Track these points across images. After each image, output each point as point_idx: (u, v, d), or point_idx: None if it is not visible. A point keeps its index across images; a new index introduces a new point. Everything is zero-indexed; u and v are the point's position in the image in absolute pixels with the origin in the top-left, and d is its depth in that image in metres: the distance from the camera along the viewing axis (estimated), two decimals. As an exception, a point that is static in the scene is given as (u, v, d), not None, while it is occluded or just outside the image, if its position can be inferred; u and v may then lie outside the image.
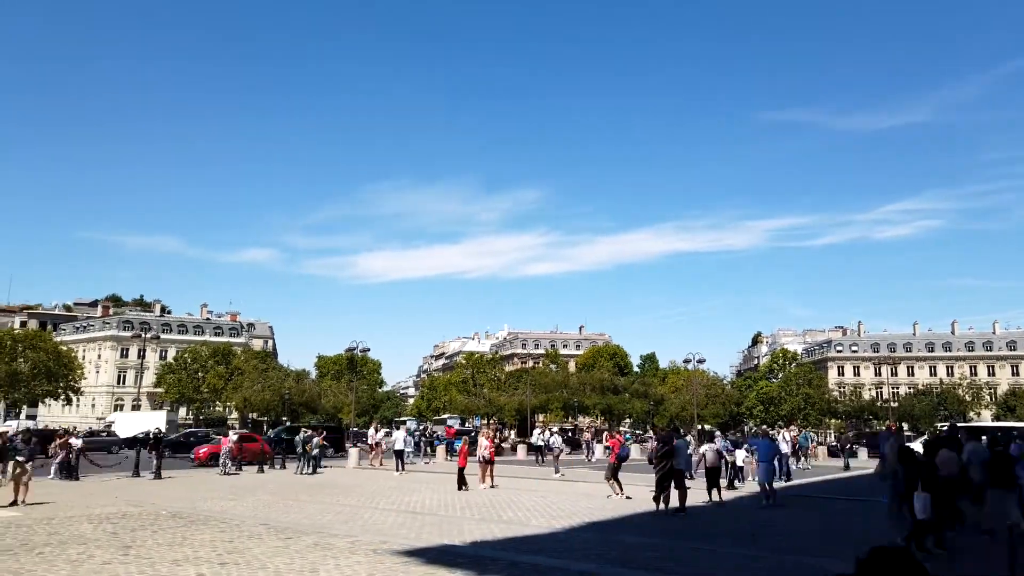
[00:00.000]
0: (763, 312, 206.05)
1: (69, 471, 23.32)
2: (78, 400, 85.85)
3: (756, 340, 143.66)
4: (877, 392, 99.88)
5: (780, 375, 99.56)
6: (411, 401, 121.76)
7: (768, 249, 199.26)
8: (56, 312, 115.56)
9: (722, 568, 10.08)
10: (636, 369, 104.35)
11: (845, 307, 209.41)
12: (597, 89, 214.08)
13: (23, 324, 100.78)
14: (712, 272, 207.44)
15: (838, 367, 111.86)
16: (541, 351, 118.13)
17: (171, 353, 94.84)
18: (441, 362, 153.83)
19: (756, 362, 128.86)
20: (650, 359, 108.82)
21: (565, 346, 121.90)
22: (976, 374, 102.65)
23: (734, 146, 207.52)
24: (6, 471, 16.67)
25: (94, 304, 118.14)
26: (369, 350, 66.51)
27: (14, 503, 16.01)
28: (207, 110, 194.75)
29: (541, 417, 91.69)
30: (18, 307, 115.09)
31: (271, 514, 14.93)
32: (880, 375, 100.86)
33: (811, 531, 14.27)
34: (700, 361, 58.74)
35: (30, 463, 16.94)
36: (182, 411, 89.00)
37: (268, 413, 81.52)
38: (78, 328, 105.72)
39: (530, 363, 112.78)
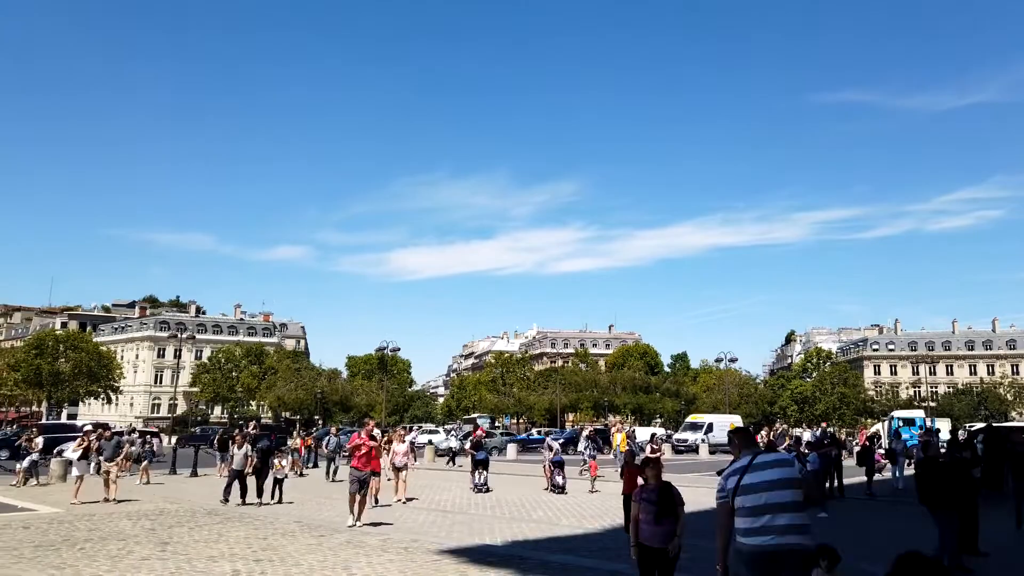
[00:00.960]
0: (801, 309, 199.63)
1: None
2: (117, 399, 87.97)
3: (789, 339, 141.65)
4: (915, 391, 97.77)
5: (814, 374, 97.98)
6: (441, 400, 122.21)
7: (816, 243, 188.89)
8: (95, 313, 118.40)
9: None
10: (667, 369, 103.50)
11: (884, 304, 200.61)
12: (635, 76, 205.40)
13: (64, 325, 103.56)
14: (748, 269, 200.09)
15: (874, 366, 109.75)
16: (570, 350, 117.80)
17: (206, 353, 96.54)
18: (470, 361, 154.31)
19: (789, 361, 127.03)
20: (681, 358, 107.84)
21: (595, 345, 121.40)
22: (1019, 373, 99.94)
23: (784, 132, 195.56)
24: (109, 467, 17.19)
25: (131, 305, 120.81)
26: (399, 350, 67.24)
27: (105, 500, 16.43)
28: (237, 106, 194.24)
29: (571, 416, 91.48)
30: (59, 308, 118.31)
31: (304, 512, 15.10)
32: (918, 374, 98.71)
33: (850, 533, 14.01)
34: (732, 360, 58.14)
35: (115, 461, 17.51)
36: (217, 410, 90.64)
37: (301, 412, 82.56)
38: (116, 329, 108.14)
39: (559, 362, 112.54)
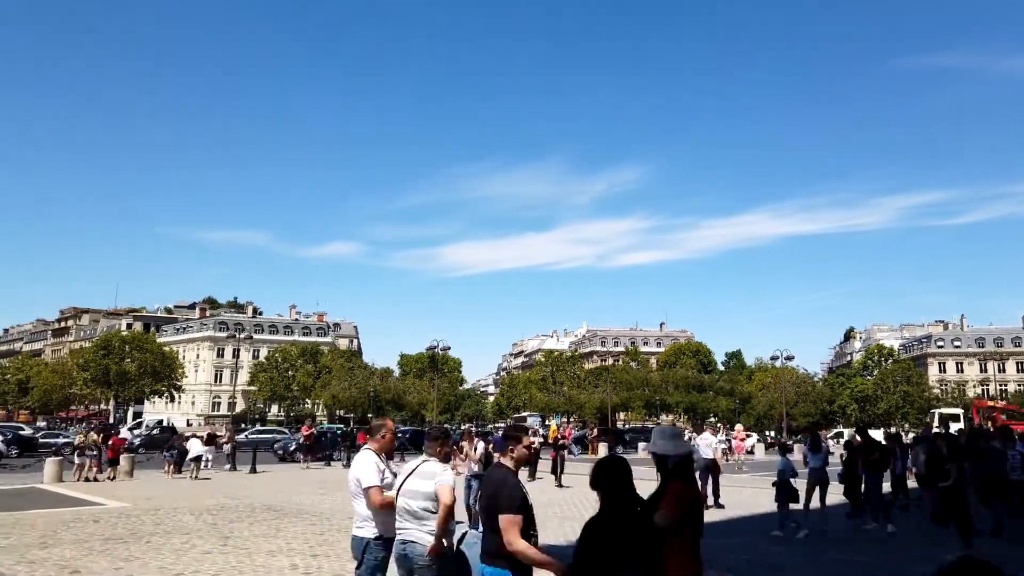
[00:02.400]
0: (862, 305, 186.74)
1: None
2: (179, 397, 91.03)
3: (849, 336, 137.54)
4: (983, 389, 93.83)
5: (875, 372, 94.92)
6: (491, 399, 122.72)
7: (901, 230, 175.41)
8: (158, 315, 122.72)
9: (808, 570, 9.66)
10: (720, 367, 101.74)
11: (951, 299, 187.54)
12: (700, 50, 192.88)
13: (129, 326, 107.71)
14: (815, 261, 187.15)
15: (939, 363, 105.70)
16: (620, 349, 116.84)
17: (263, 352, 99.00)
18: (520, 360, 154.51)
19: (849, 359, 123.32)
20: (735, 356, 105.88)
21: (645, 343, 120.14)
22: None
23: (868, 104, 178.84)
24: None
25: (192, 307, 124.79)
26: (449, 348, 67.87)
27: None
28: (287, 97, 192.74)
29: (622, 415, 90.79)
30: (124, 310, 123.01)
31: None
32: (986, 371, 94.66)
33: (904, 535, 13.50)
34: (788, 358, 56.77)
35: None
36: (274, 408, 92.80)
37: (355, 410, 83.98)
38: (178, 329, 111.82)
39: (609, 361, 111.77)
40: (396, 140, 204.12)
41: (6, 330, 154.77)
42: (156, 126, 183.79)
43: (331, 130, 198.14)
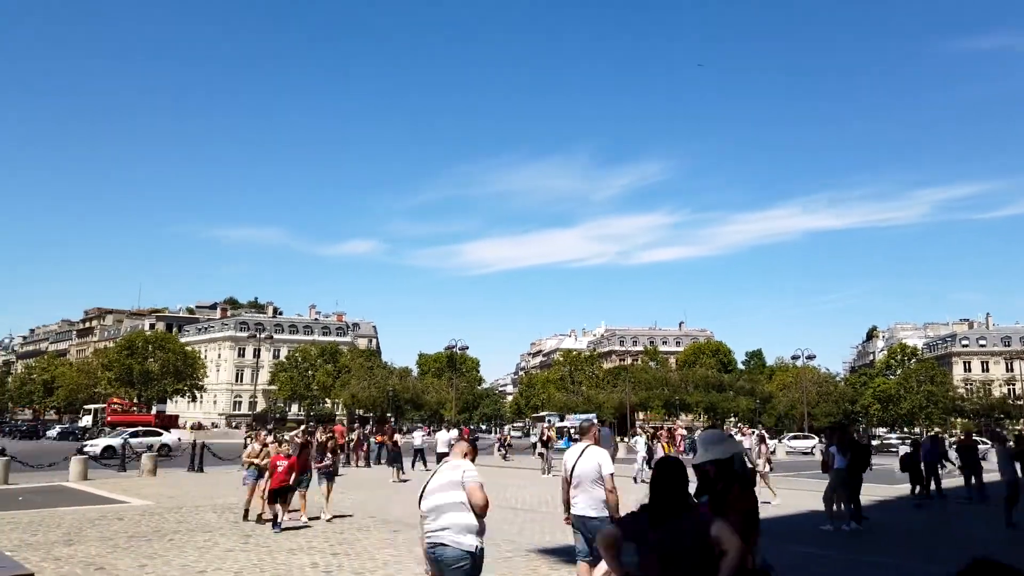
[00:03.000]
0: (884, 304, 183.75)
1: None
2: (201, 397, 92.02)
3: (871, 335, 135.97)
4: (1009, 389, 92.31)
5: (898, 371, 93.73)
6: (509, 399, 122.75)
7: (934, 224, 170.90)
8: (180, 315, 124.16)
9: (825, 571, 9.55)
10: (741, 366, 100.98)
11: (976, 296, 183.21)
12: (727, 39, 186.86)
13: (152, 327, 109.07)
14: (841, 257, 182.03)
15: (964, 362, 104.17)
16: (639, 348, 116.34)
17: (283, 352, 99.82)
18: (538, 359, 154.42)
19: (871, 358, 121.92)
20: (756, 355, 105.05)
21: (664, 343, 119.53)
22: None
23: (906, 88, 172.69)
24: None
25: (213, 307, 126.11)
26: (467, 348, 68.11)
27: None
28: (305, 89, 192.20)
29: (641, 415, 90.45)
30: (148, 311, 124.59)
31: (377, 508, 15.37)
32: (1012, 370, 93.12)
33: (929, 534, 13.31)
34: (810, 357, 56.25)
35: None
36: (294, 407, 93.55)
37: (374, 409, 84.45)
38: (200, 329, 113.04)
39: (628, 360, 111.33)
40: (415, 135, 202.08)
41: (32, 330, 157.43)
42: (174, 124, 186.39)
43: (349, 125, 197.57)
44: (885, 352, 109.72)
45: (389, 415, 79.74)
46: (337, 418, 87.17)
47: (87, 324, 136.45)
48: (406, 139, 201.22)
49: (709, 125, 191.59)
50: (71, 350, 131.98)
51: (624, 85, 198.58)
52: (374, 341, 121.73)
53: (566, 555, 9.95)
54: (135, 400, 72.47)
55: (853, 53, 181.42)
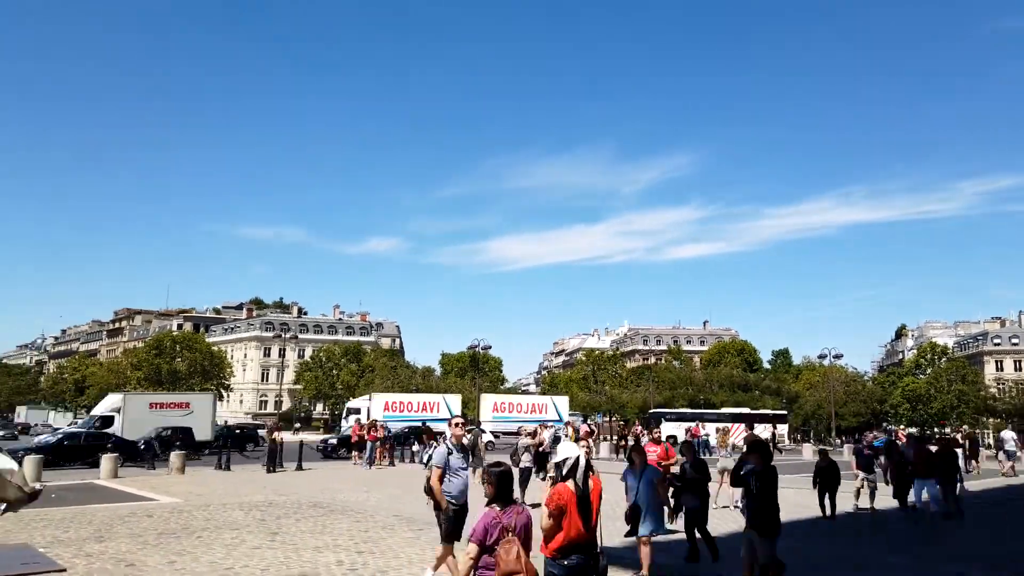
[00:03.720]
0: (913, 301, 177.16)
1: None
2: (228, 396, 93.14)
3: (900, 333, 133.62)
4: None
5: (928, 371, 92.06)
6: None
7: (978, 216, 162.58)
8: (207, 315, 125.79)
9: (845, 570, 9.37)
10: (766, 366, 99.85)
11: (1014, 292, 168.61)
12: (759, 22, 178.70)
13: (179, 327, 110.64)
14: (877, 250, 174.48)
15: (996, 361, 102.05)
16: (663, 347, 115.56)
17: (308, 352, 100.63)
18: (561, 359, 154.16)
19: (900, 357, 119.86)
20: (782, 355, 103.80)
21: (688, 342, 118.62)
22: None
23: (950, 74, 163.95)
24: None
25: (239, 307, 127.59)
26: (490, 347, 68.09)
27: None
28: (323, 85, 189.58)
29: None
30: (175, 311, 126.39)
31: (402, 506, 15.41)
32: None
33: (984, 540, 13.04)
34: (837, 356, 55.49)
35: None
36: (319, 406, 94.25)
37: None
38: (226, 329, 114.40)
39: (651, 359, 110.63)
40: (436, 130, 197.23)
41: (63, 331, 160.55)
42: (196, 126, 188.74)
43: (367, 120, 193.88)
44: (915, 351, 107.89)
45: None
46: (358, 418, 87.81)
47: (117, 324, 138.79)
48: (427, 134, 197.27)
49: (741, 115, 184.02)
50: (101, 350, 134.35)
51: (652, 74, 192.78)
52: (397, 341, 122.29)
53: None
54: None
55: (891, 36, 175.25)
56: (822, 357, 59.75)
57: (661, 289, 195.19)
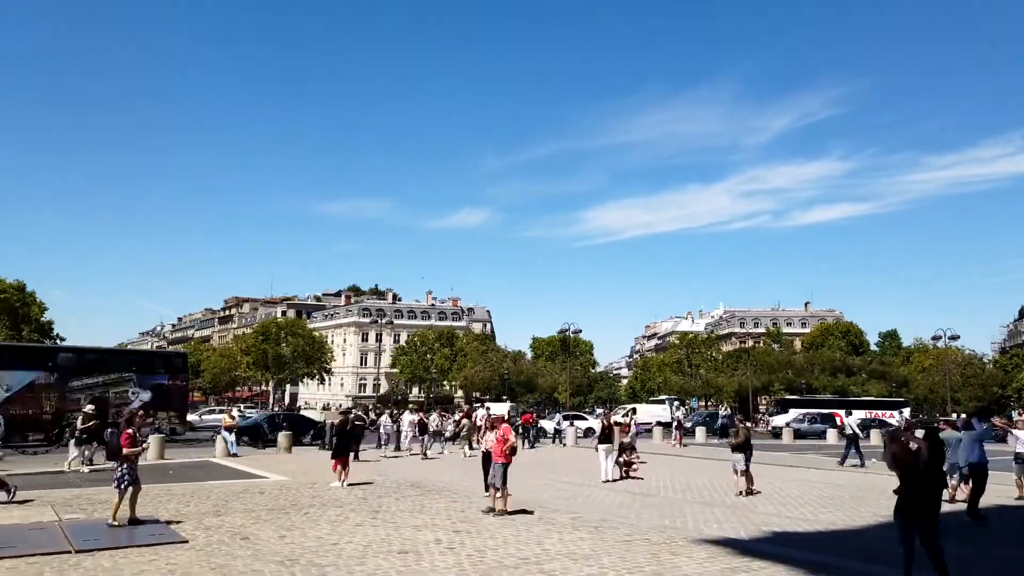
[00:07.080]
0: None
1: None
2: (329, 380, 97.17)
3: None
4: None
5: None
6: (624, 382, 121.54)
7: None
8: (308, 302, 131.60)
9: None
10: (874, 348, 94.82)
11: None
12: None
13: (284, 314, 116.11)
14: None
15: None
16: (761, 330, 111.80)
17: (403, 337, 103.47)
18: (653, 343, 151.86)
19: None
20: (891, 336, 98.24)
21: (788, 324, 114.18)
22: None
23: None
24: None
25: (338, 294, 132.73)
26: (580, 332, 67.78)
27: None
28: (395, 48, 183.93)
29: (764, 399, 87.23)
30: (280, 299, 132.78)
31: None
32: None
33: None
34: (953, 338, 52.01)
35: None
36: (415, 389, 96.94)
37: (488, 392, 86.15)
38: (326, 316, 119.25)
39: (749, 343, 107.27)
40: (518, 74, 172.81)
41: (180, 319, 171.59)
42: (280, 105, 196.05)
43: (443, 69, 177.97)
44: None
45: (505, 397, 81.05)
46: (456, 400, 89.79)
47: (227, 312, 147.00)
48: (505, 81, 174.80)
49: (895, 41, 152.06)
50: (213, 336, 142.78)
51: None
52: (488, 325, 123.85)
53: (686, 537, 9.73)
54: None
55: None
56: (936, 338, 56.10)
57: (758, 271, 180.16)
